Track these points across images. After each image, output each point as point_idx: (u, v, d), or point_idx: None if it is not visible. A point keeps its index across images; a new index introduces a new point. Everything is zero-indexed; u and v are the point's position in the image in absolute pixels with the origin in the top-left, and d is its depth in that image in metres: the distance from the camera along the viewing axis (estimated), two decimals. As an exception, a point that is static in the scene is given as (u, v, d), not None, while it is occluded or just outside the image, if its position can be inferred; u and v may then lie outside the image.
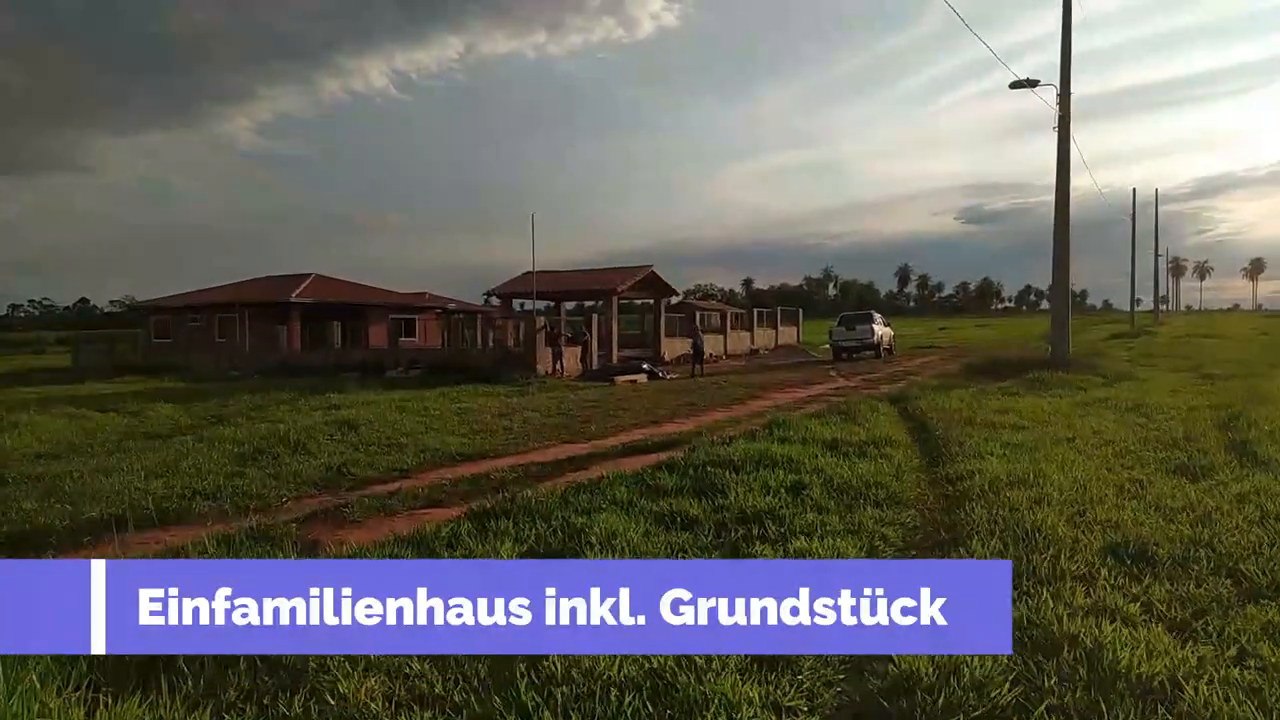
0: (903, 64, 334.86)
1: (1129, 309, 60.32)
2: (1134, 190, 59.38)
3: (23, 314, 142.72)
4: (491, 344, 34.59)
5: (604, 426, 14.27)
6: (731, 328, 41.35)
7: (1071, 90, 21.38)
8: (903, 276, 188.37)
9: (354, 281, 44.48)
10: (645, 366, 27.47)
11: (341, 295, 40.77)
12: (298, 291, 38.19)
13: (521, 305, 37.58)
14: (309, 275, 41.06)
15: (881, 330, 34.70)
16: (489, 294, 36.19)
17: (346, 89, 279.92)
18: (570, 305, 44.91)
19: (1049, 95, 21.34)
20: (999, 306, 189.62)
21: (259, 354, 36.42)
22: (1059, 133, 21.39)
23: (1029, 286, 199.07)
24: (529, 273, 33.43)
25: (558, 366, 27.92)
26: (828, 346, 36.58)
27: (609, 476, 7.84)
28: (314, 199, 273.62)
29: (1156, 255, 68.86)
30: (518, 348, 30.50)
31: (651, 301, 37.56)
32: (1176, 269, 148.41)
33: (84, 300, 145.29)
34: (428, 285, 50.44)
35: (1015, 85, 21.72)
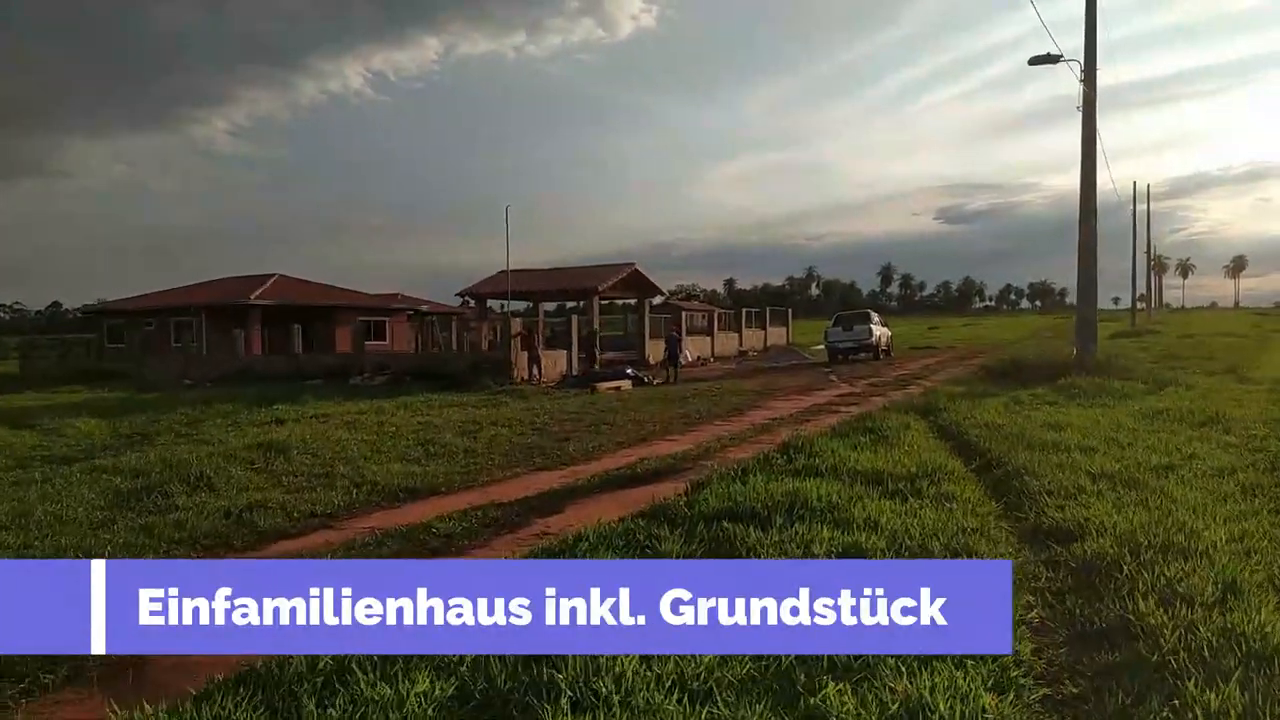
0: (882, 65, 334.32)
1: (1115, 306, 58.77)
2: (1134, 184, 57.56)
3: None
4: (465, 348, 32.24)
5: (584, 446, 12.17)
6: (719, 329, 39.24)
7: (1093, 73, 19.49)
8: (885, 276, 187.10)
9: (322, 283, 42.05)
10: (630, 372, 25.33)
11: (306, 297, 38.32)
12: (258, 293, 35.75)
13: (504, 306, 35.31)
14: (272, 276, 38.60)
15: (880, 331, 32.70)
16: (462, 294, 33.90)
17: (323, 90, 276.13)
18: (551, 306, 42.70)
19: (1053, 81, 19.42)
20: (981, 306, 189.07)
21: (217, 360, 33.97)
22: (1084, 113, 19.44)
23: (1009, 286, 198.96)
24: (504, 271, 31.24)
25: (535, 372, 25.76)
26: (820, 347, 34.58)
27: (588, 536, 5.71)
28: (292, 201, 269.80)
29: (1149, 253, 67.46)
30: (493, 352, 28.32)
31: (635, 302, 35.43)
32: (1159, 267, 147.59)
33: (56, 304, 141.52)
34: (409, 287, 47.94)
35: (1035, 61, 19.75)
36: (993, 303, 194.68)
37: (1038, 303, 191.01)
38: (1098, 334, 20.13)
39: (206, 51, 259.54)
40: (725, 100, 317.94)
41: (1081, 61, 19.39)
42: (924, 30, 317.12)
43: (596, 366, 28.57)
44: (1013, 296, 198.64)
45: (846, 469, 7.86)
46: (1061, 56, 19.35)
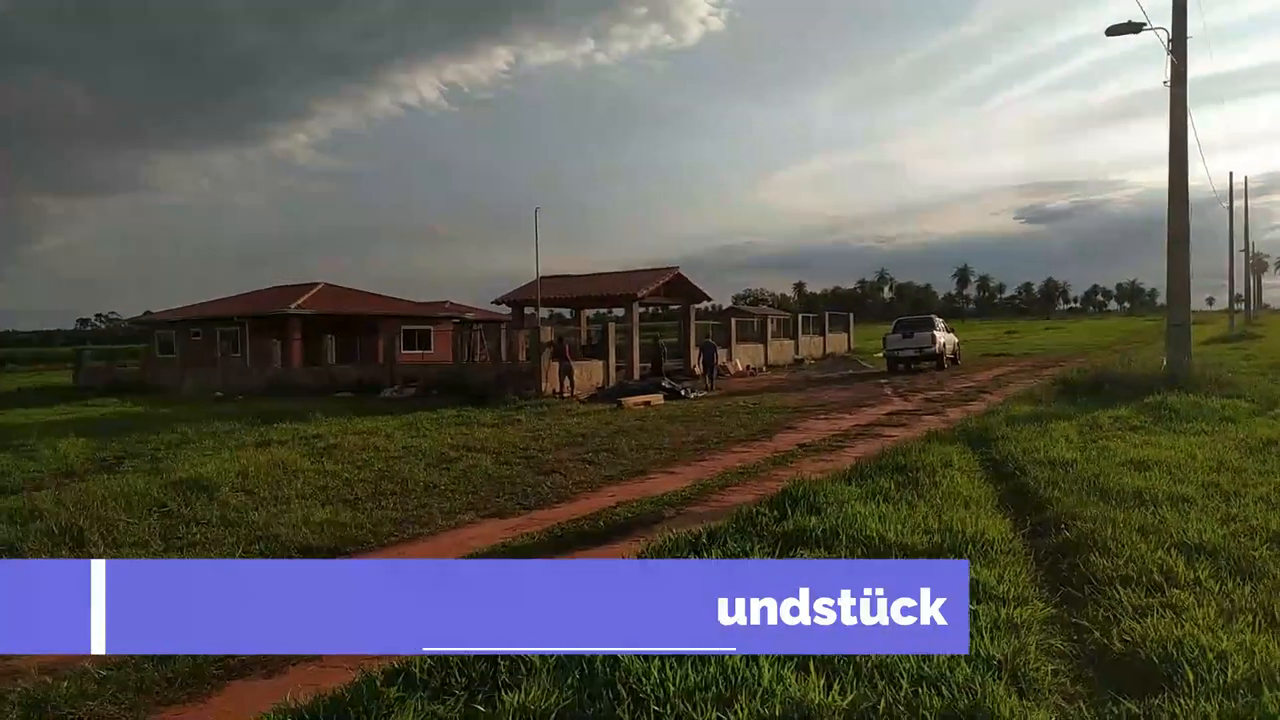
0: (956, 62, 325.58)
1: (1210, 308, 54.25)
2: (1230, 175, 52.93)
3: (90, 329, 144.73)
4: (517, 357, 30.70)
5: (568, 480, 10.41)
6: (773, 336, 36.93)
7: (1182, 42, 16.92)
8: (962, 278, 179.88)
9: (368, 291, 41.22)
10: (665, 384, 23.42)
11: (348, 305, 37.45)
12: (298, 303, 34.92)
13: (569, 313, 33.72)
14: (316, 285, 37.90)
15: (944, 337, 30.06)
16: (498, 301, 32.48)
17: (398, 102, 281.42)
18: (619, 312, 40.81)
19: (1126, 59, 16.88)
20: (1065, 308, 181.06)
21: (258, 371, 33.30)
22: (1171, 89, 16.88)
23: (1096, 286, 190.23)
24: (544, 277, 29.74)
25: (566, 383, 24.13)
26: (881, 356, 32.15)
27: (411, 667, 3.89)
28: (366, 211, 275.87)
29: (1247, 250, 62.57)
30: (522, 363, 26.80)
31: (681, 308, 33.48)
32: (1258, 265, 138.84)
33: (149, 313, 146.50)
34: (471, 294, 47.23)
35: (1113, 31, 17.30)
36: (1078, 304, 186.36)
37: (1126, 304, 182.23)
38: (1191, 341, 17.50)
39: (285, 68, 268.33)
40: (795, 101, 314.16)
41: (1169, 29, 16.86)
42: (997, 26, 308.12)
43: (635, 377, 26.82)
44: (1099, 298, 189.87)
45: (848, 535, 5.91)
46: (1145, 25, 16.85)
